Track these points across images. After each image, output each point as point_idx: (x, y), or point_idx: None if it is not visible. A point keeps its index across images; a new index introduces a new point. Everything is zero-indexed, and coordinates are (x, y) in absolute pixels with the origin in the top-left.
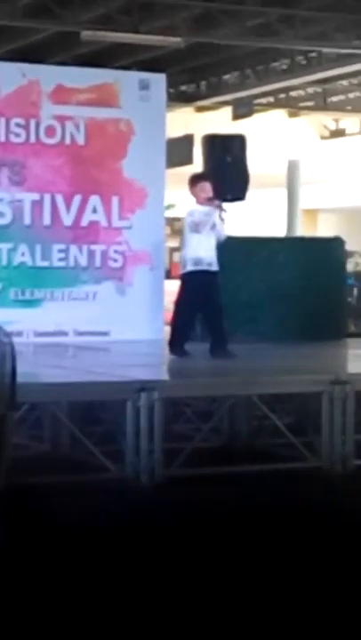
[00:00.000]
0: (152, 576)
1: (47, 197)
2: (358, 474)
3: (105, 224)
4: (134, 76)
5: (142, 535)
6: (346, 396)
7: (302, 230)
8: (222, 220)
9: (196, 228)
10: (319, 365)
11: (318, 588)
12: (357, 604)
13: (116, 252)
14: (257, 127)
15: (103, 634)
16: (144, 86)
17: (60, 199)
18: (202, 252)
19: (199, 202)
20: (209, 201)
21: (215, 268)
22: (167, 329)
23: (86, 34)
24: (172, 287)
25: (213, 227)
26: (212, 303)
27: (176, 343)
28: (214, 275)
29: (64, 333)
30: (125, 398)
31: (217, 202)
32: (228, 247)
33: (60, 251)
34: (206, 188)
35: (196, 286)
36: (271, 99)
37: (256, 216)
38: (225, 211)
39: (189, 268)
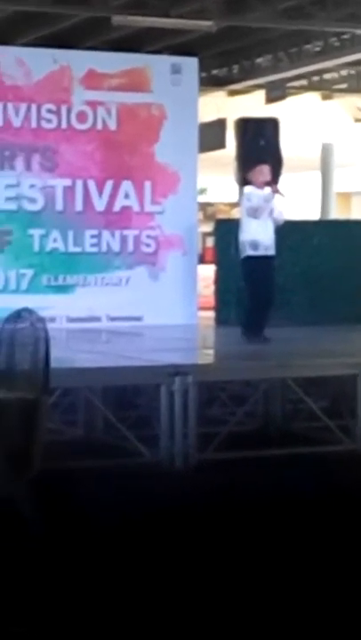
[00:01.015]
0: (186, 560)
1: (79, 183)
2: None
3: (137, 209)
4: (166, 61)
5: (176, 519)
6: None
7: (336, 213)
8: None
9: (254, 213)
10: (354, 348)
11: (350, 571)
12: None
13: (148, 236)
14: (290, 110)
15: (141, 614)
16: (176, 70)
17: (92, 185)
18: (260, 236)
19: (257, 185)
20: (266, 184)
21: (272, 252)
22: (201, 314)
23: (117, 19)
24: (206, 272)
25: (271, 213)
26: (264, 287)
27: (253, 330)
28: (271, 259)
29: (97, 319)
30: (159, 383)
31: (275, 186)
32: None
33: (93, 236)
34: (264, 171)
35: (255, 271)
36: (304, 81)
37: (290, 199)
38: (283, 195)
39: (248, 252)
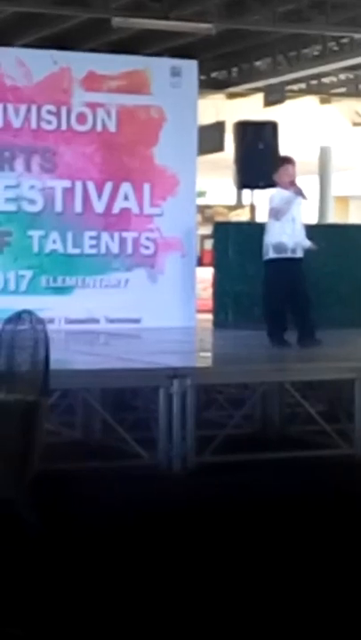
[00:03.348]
0: (183, 563)
1: (78, 184)
2: None
3: (136, 211)
4: (165, 63)
5: (174, 522)
6: None
7: (334, 217)
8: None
9: (276, 214)
10: (351, 352)
11: (348, 575)
12: None
13: (147, 239)
14: (289, 114)
15: (139, 617)
16: (175, 73)
17: (91, 186)
18: (284, 237)
19: (282, 185)
20: (291, 185)
21: (300, 254)
22: (199, 316)
23: (117, 20)
24: (204, 274)
25: (293, 217)
26: (296, 291)
27: (273, 333)
28: (298, 261)
29: (95, 320)
30: (158, 385)
31: (298, 187)
32: (260, 234)
33: (92, 238)
34: (290, 172)
35: (279, 274)
36: (303, 85)
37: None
38: (305, 197)
39: (271, 255)
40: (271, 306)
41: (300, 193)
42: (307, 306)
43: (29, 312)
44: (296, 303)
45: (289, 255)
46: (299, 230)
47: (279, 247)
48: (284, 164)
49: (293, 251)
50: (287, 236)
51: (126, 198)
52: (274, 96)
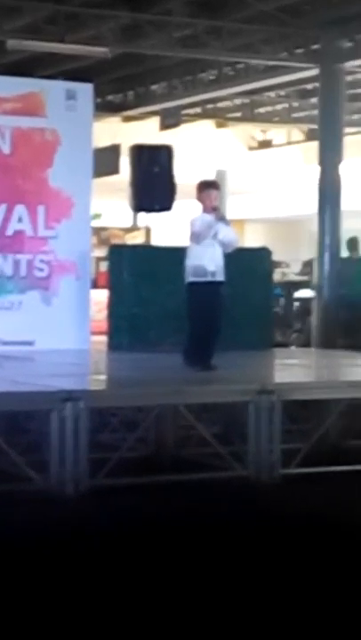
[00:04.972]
0: (76, 588)
1: None
2: (285, 483)
3: (31, 233)
4: (61, 86)
5: (66, 544)
6: (272, 405)
7: None
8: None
9: (196, 238)
10: (246, 375)
11: (238, 596)
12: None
13: (41, 261)
14: (184, 137)
15: None
16: (71, 96)
17: None
18: (204, 261)
19: (205, 210)
20: (213, 210)
21: (220, 278)
22: (93, 338)
23: (12, 43)
24: (99, 297)
25: (215, 237)
26: (208, 314)
27: (197, 357)
28: (218, 285)
29: None
30: (51, 408)
31: (220, 213)
32: (156, 257)
33: None
34: (212, 196)
35: (198, 297)
36: (199, 109)
37: (184, 226)
38: (227, 223)
39: (190, 278)
40: (193, 328)
41: (221, 218)
42: (216, 331)
43: None
44: (205, 325)
45: (209, 279)
46: (219, 254)
47: (199, 271)
48: (207, 188)
49: (213, 274)
50: (208, 259)
51: (20, 220)
52: (170, 120)
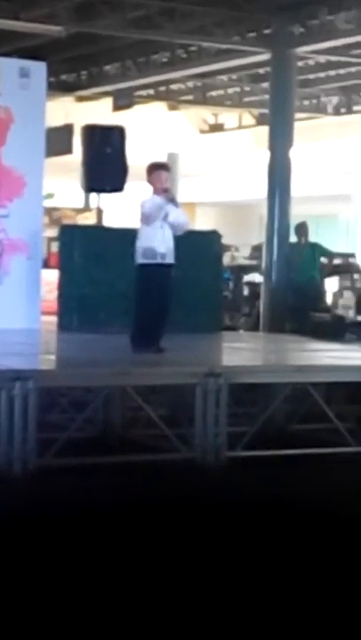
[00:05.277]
0: (19, 568)
1: None
2: (230, 465)
3: None
4: (14, 64)
5: (11, 525)
6: (219, 388)
7: None
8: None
9: (146, 220)
10: (194, 358)
11: (186, 578)
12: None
13: None
14: (137, 119)
15: None
16: (24, 74)
17: None
18: (155, 243)
19: (155, 191)
20: (164, 191)
21: (170, 260)
22: (44, 318)
23: None
24: (50, 277)
25: (166, 218)
26: (157, 296)
27: (145, 341)
28: (168, 267)
29: None
30: None
31: (170, 195)
32: (107, 238)
33: None
34: (162, 178)
35: (148, 279)
36: (151, 91)
37: (135, 208)
38: (177, 205)
39: (141, 260)
40: (139, 310)
41: (171, 200)
42: (164, 313)
43: None
44: (154, 308)
45: (159, 261)
46: (169, 236)
47: (149, 252)
48: (158, 169)
49: (163, 256)
50: (158, 241)
51: None
52: (122, 101)
